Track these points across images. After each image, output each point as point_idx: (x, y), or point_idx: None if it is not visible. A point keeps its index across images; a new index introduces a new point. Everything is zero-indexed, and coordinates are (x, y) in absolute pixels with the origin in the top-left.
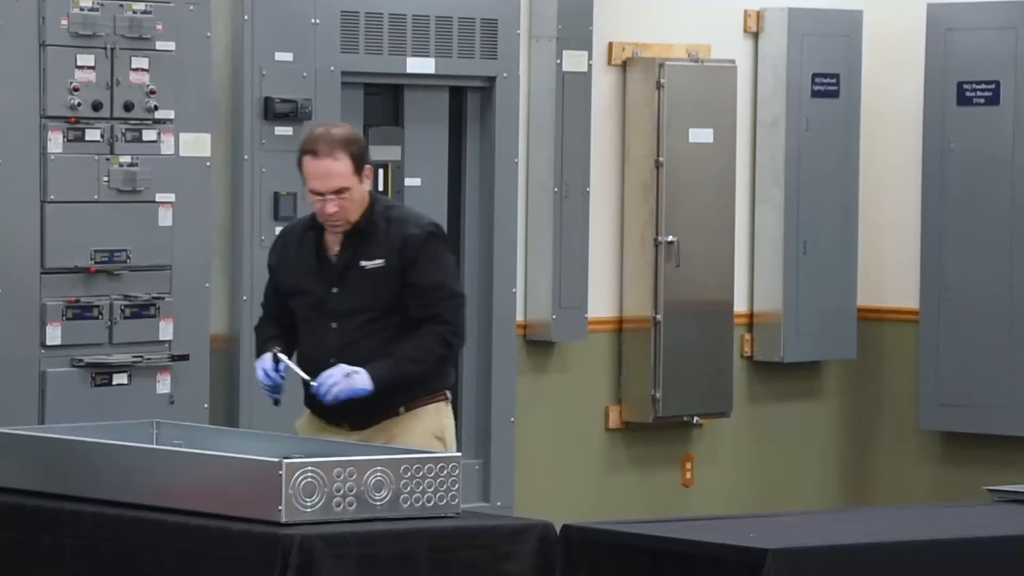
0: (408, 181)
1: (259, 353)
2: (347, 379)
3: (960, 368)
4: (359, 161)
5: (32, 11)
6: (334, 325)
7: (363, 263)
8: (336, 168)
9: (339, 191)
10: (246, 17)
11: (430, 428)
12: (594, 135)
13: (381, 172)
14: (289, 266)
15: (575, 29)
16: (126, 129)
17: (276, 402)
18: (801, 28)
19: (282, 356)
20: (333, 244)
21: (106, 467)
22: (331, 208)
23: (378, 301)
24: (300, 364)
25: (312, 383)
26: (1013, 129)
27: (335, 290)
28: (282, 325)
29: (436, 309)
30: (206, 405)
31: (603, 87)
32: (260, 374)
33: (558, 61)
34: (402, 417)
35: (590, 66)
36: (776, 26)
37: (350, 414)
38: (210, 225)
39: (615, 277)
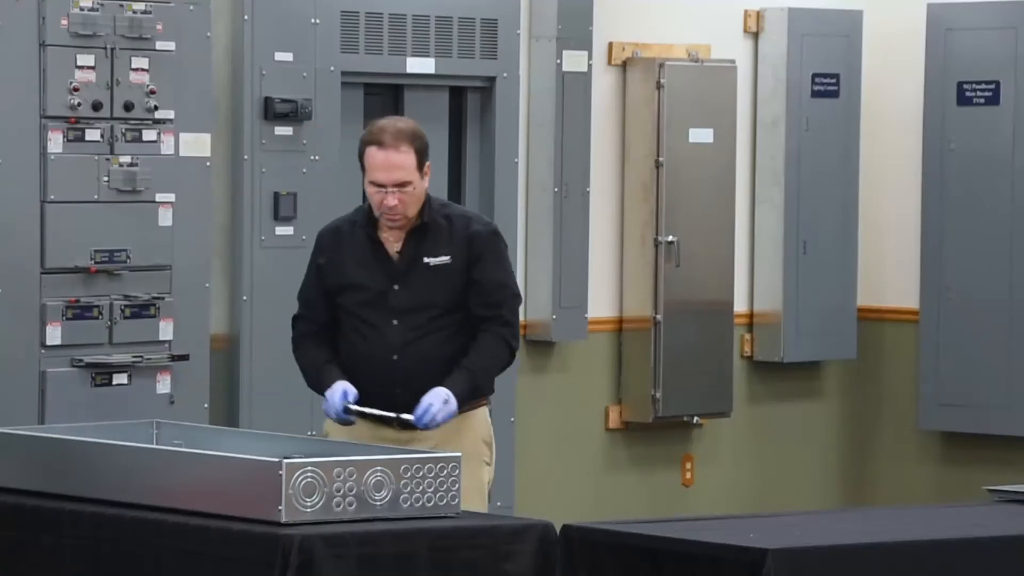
0: None
1: (319, 382)
2: (446, 405)
3: (960, 368)
4: (422, 156)
5: (32, 11)
6: (395, 322)
7: (427, 260)
8: (400, 160)
9: (402, 184)
10: (246, 17)
11: (480, 433)
12: (594, 135)
13: None
14: (341, 263)
15: (575, 29)
16: (126, 129)
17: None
18: (801, 28)
19: (353, 407)
20: (392, 241)
21: (106, 467)
22: (391, 201)
23: (442, 298)
24: (356, 362)
25: (408, 418)
26: (1013, 129)
27: (396, 287)
28: (327, 334)
29: (500, 309)
30: (206, 405)
31: (603, 87)
32: (334, 412)
33: (558, 61)
34: (456, 418)
35: (590, 66)
36: (776, 26)
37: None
38: (210, 225)
39: (615, 277)
